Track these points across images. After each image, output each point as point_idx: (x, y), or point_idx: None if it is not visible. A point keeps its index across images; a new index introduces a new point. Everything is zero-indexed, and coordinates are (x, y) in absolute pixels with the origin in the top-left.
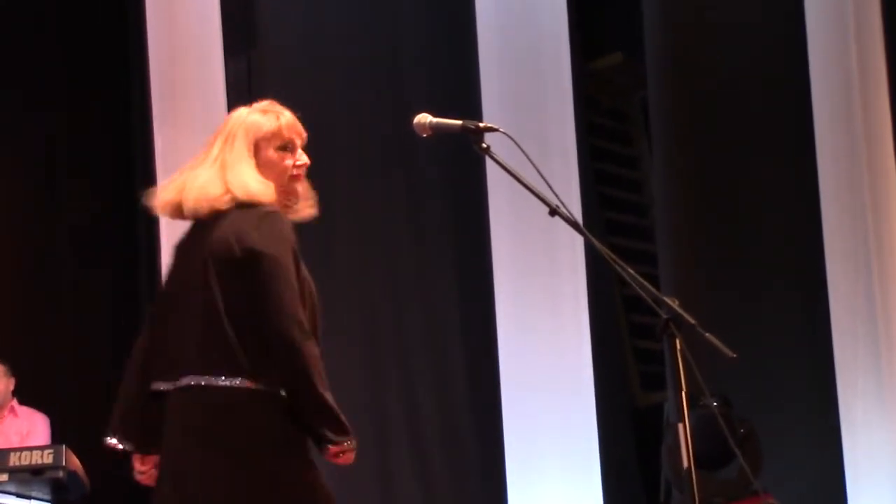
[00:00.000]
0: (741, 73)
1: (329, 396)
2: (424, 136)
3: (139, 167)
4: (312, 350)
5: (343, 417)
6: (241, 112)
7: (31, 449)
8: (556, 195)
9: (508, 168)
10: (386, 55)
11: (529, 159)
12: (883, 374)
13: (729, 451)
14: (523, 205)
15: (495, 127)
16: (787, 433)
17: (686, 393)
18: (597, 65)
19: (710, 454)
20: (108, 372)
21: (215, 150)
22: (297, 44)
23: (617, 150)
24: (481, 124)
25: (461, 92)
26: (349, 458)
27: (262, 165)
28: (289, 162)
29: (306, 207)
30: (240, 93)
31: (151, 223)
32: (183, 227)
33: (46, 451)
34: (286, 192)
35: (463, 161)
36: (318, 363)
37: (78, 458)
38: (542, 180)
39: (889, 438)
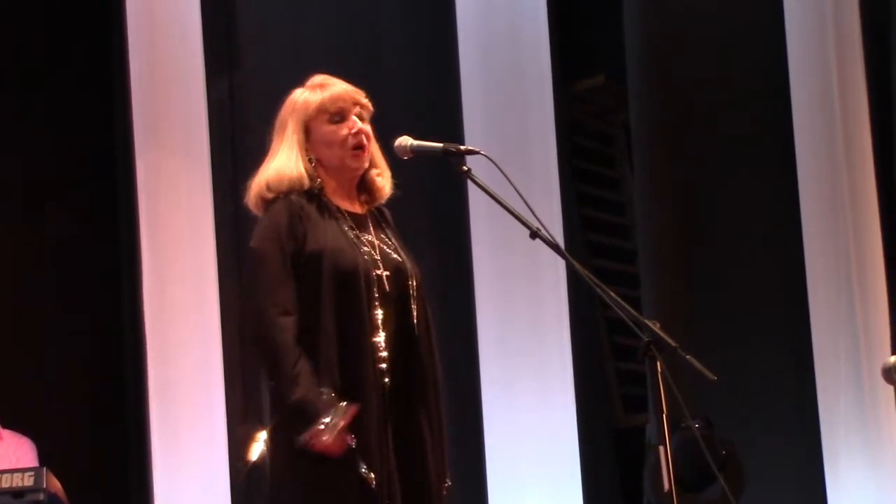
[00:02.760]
0: (723, 95)
1: (293, 389)
2: (405, 158)
3: (121, 189)
4: (267, 344)
5: (303, 403)
6: (295, 94)
7: (11, 472)
8: (538, 218)
9: (490, 191)
10: (368, 77)
11: (511, 182)
12: (865, 396)
13: (711, 473)
14: (505, 227)
15: (476, 150)
16: (770, 455)
17: (667, 415)
18: (579, 87)
19: (693, 476)
20: (90, 394)
21: (271, 142)
22: (279, 65)
23: (599, 171)
24: (462, 147)
25: (443, 115)
26: (323, 442)
27: (317, 144)
28: (343, 132)
29: (385, 181)
30: (222, 114)
31: (133, 246)
32: (163, 247)
33: (27, 474)
34: (350, 166)
35: (444, 184)
36: (277, 355)
37: (59, 480)
38: (523, 203)
39: (871, 459)
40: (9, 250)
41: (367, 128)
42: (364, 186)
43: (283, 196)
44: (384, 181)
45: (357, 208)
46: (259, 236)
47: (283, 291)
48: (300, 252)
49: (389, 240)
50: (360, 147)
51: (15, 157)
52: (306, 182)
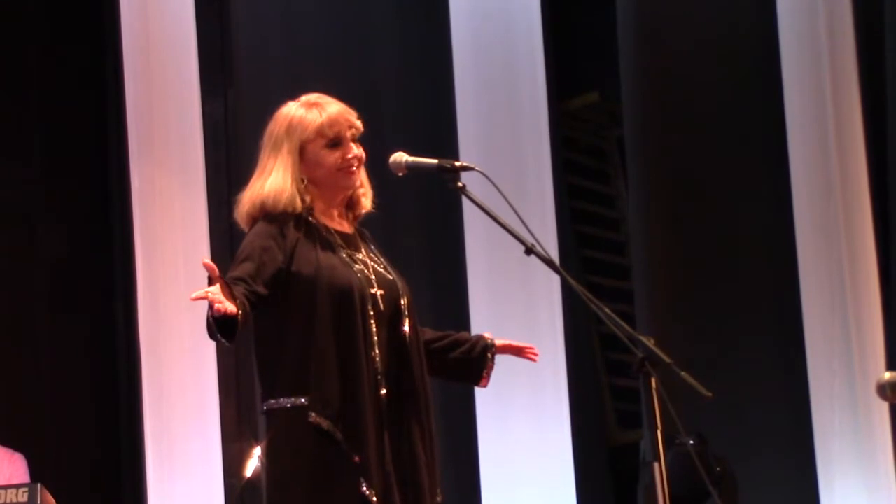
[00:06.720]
0: (717, 112)
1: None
2: (400, 174)
3: (116, 206)
4: None
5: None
6: (288, 109)
7: (5, 488)
8: (532, 234)
9: (484, 207)
10: (363, 94)
11: (505, 198)
12: (859, 412)
13: (705, 489)
14: (500, 243)
15: (471, 166)
16: (764, 471)
17: (661, 432)
18: (573, 104)
19: (687, 493)
20: (85, 411)
21: (263, 157)
22: (273, 82)
23: (594, 188)
24: (457, 163)
25: (437, 131)
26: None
27: (311, 164)
28: (339, 157)
29: (368, 199)
30: (217, 131)
31: (128, 263)
32: (158, 264)
33: (21, 490)
34: (341, 185)
35: (439, 199)
36: None
37: (53, 497)
38: (518, 219)
39: (865, 476)
40: (3, 267)
41: (361, 151)
42: (350, 205)
43: (274, 216)
44: (367, 200)
45: (346, 227)
46: (249, 237)
47: (247, 265)
48: (288, 266)
49: (379, 258)
50: (352, 170)
51: (9, 173)
52: (298, 204)
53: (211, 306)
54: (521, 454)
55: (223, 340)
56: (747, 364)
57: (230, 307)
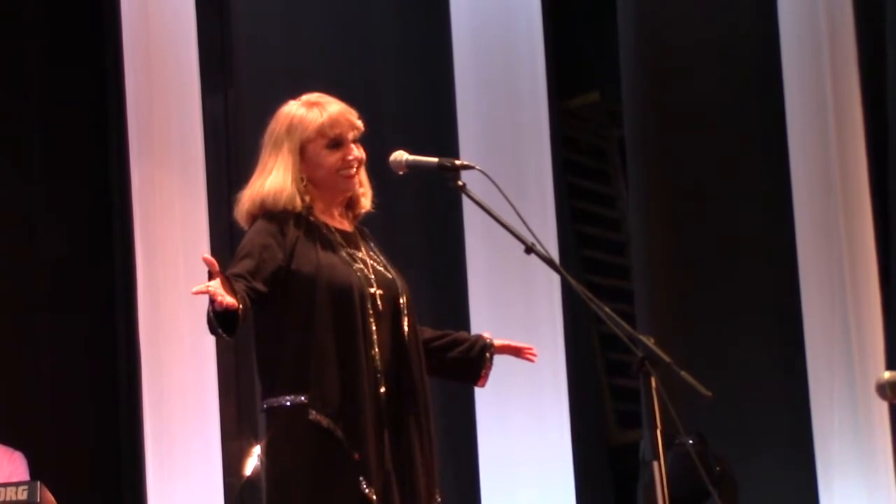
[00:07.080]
0: (717, 112)
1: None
2: (401, 173)
3: (116, 205)
4: None
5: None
6: (290, 108)
7: (4, 485)
8: (532, 233)
9: (484, 206)
10: (363, 93)
11: (505, 197)
12: (859, 413)
13: (705, 489)
14: (500, 242)
15: (472, 165)
16: (763, 471)
17: (661, 431)
18: (574, 103)
19: (686, 492)
20: (85, 410)
21: (263, 156)
22: (273, 81)
23: (594, 188)
24: (458, 162)
25: (437, 130)
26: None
27: (311, 164)
28: (340, 159)
29: (367, 199)
30: (217, 130)
31: (128, 263)
32: (158, 263)
33: (21, 488)
34: (341, 188)
35: (439, 199)
36: None
37: (53, 495)
38: (518, 218)
39: (864, 475)
40: (3, 267)
41: (361, 152)
42: (350, 205)
43: (274, 214)
44: (367, 200)
45: (346, 226)
46: (249, 235)
47: (246, 262)
48: (287, 264)
49: (378, 256)
50: (352, 173)
51: (9, 173)
52: (298, 203)
53: (212, 300)
54: (520, 454)
55: (224, 335)
56: (747, 364)
57: (231, 301)
